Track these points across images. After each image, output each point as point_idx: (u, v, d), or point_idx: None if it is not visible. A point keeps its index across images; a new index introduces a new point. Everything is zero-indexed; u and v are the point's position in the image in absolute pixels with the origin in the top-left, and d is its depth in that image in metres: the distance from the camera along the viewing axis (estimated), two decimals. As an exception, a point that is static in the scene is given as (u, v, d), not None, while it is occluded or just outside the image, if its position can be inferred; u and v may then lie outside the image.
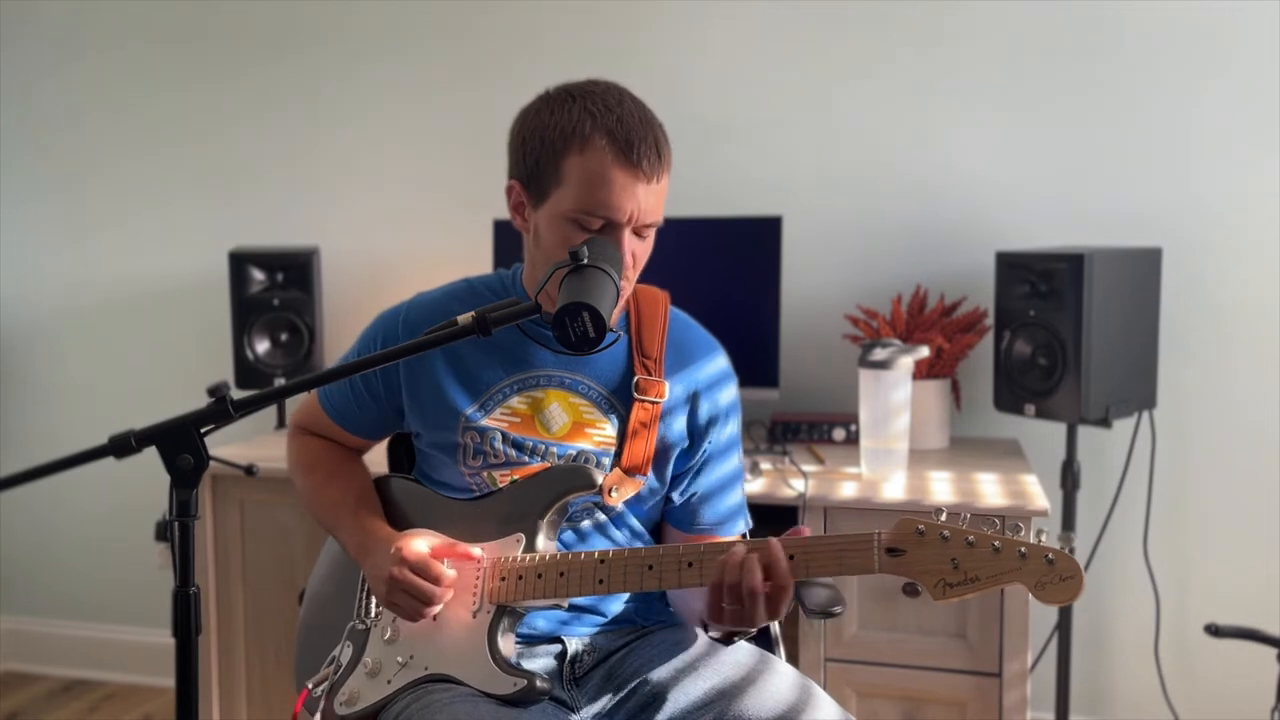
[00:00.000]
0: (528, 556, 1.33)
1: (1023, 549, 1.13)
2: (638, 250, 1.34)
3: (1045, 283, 2.09)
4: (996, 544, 1.14)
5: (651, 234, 1.37)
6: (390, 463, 1.69)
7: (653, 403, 1.41)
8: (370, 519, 1.43)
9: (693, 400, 1.46)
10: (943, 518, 1.17)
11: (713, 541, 1.30)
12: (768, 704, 1.30)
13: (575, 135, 1.30)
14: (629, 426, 1.40)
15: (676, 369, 1.45)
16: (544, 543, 1.36)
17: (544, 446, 1.41)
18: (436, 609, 1.32)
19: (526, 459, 1.41)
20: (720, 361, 1.51)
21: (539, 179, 1.33)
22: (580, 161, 1.29)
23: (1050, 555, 1.12)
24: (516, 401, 1.42)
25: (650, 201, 1.31)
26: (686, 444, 1.46)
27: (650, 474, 1.42)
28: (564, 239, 1.31)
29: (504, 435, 1.41)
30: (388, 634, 1.37)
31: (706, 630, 1.39)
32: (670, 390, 1.43)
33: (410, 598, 1.31)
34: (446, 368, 1.43)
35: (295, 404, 2.52)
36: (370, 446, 1.61)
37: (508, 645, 1.32)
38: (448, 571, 1.32)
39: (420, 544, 1.35)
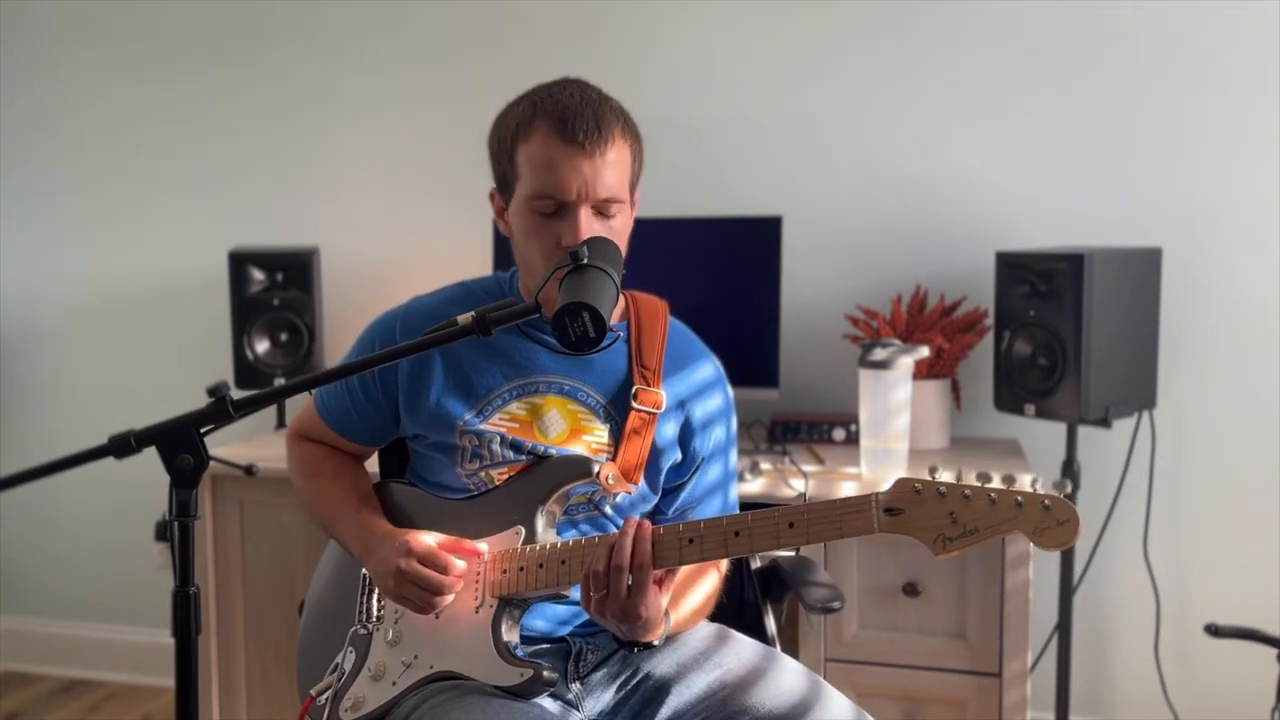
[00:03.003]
0: (528, 548, 1.33)
1: (1019, 498, 1.14)
2: (605, 232, 1.33)
3: (1045, 283, 2.09)
4: (993, 495, 1.15)
5: (621, 214, 1.37)
6: (381, 466, 1.69)
7: (649, 413, 1.41)
8: (373, 518, 1.44)
9: (683, 409, 1.46)
10: (937, 476, 1.18)
11: (713, 518, 1.30)
12: (779, 698, 1.30)
13: (520, 127, 1.35)
14: (624, 434, 1.40)
15: (672, 378, 1.46)
16: (544, 533, 1.36)
17: (541, 449, 1.41)
18: (447, 599, 1.32)
19: (524, 459, 1.41)
20: (709, 368, 1.51)
21: (504, 179, 1.39)
22: (527, 150, 1.34)
23: (1046, 502, 1.13)
24: (516, 407, 1.42)
25: (601, 176, 1.32)
26: (679, 456, 1.46)
27: (642, 482, 1.42)
28: (526, 229, 1.35)
29: (502, 438, 1.41)
30: (390, 636, 1.37)
31: (615, 639, 1.36)
32: (665, 400, 1.43)
33: (419, 589, 1.31)
34: (444, 373, 1.43)
35: (295, 404, 2.52)
36: (368, 454, 1.61)
37: (512, 637, 1.32)
38: (456, 563, 1.32)
39: (426, 537, 1.35)
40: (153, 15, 2.89)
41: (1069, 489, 1.16)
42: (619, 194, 1.35)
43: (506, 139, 1.37)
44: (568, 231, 1.31)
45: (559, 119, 1.32)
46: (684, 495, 1.49)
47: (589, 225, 1.32)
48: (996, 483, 1.16)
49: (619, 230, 1.37)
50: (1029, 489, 1.15)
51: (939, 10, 2.42)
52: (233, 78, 2.86)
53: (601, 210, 1.34)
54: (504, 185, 1.40)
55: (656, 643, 1.30)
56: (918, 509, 1.17)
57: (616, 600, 1.22)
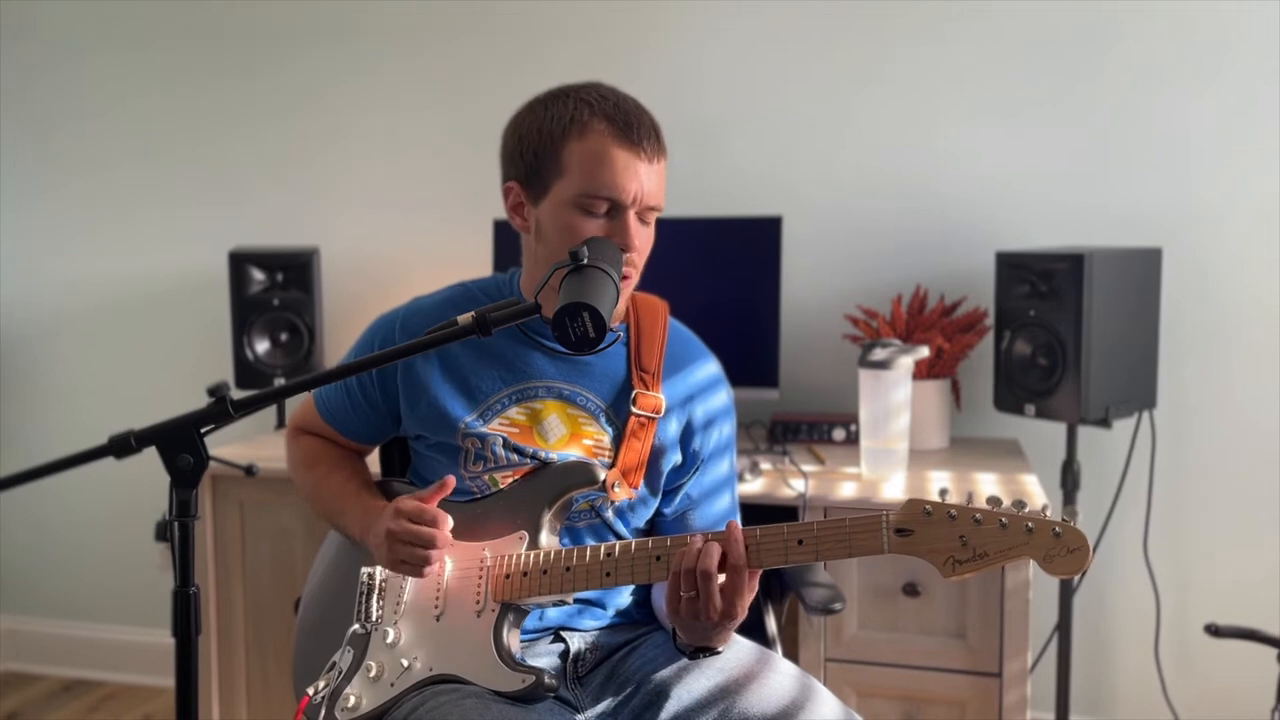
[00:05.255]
0: (532, 553, 1.33)
1: (1029, 524, 1.14)
2: (641, 237, 1.35)
3: (1045, 283, 2.09)
4: (1004, 520, 1.15)
5: (653, 222, 1.38)
6: (383, 464, 1.69)
7: (649, 417, 1.41)
8: (373, 500, 1.44)
9: (684, 408, 1.46)
10: (947, 498, 1.18)
11: (719, 531, 1.29)
12: (770, 700, 1.30)
13: (574, 123, 1.33)
14: (624, 438, 1.40)
15: (671, 380, 1.45)
16: (547, 539, 1.36)
17: (543, 454, 1.41)
18: (440, 553, 1.32)
19: (528, 463, 1.41)
20: (711, 368, 1.51)
21: (539, 173, 1.35)
22: (581, 147, 1.32)
23: (1057, 529, 1.13)
24: (515, 412, 1.42)
25: (652, 183, 1.34)
26: (679, 457, 1.45)
27: (642, 486, 1.42)
28: (569, 227, 1.33)
29: (505, 441, 1.41)
30: (390, 637, 1.37)
31: (675, 643, 1.36)
32: (665, 403, 1.43)
33: (410, 547, 1.31)
34: (443, 375, 1.43)
35: (295, 405, 2.52)
36: (367, 452, 1.61)
37: (513, 642, 1.32)
38: (447, 516, 1.32)
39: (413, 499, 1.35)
40: (154, 18, 2.89)
41: (1079, 517, 1.16)
42: (661, 203, 1.37)
43: (553, 132, 1.33)
44: (618, 233, 1.32)
45: (623, 122, 1.32)
46: (684, 496, 1.48)
47: (637, 230, 1.33)
48: (1008, 506, 1.17)
49: (650, 237, 1.39)
50: (1040, 514, 1.15)
51: (940, 10, 2.42)
52: (233, 80, 2.86)
53: (642, 217, 1.35)
54: (534, 181, 1.36)
55: (721, 649, 1.31)
56: (928, 530, 1.18)
57: (711, 602, 1.21)
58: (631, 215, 1.33)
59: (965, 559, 1.16)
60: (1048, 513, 1.15)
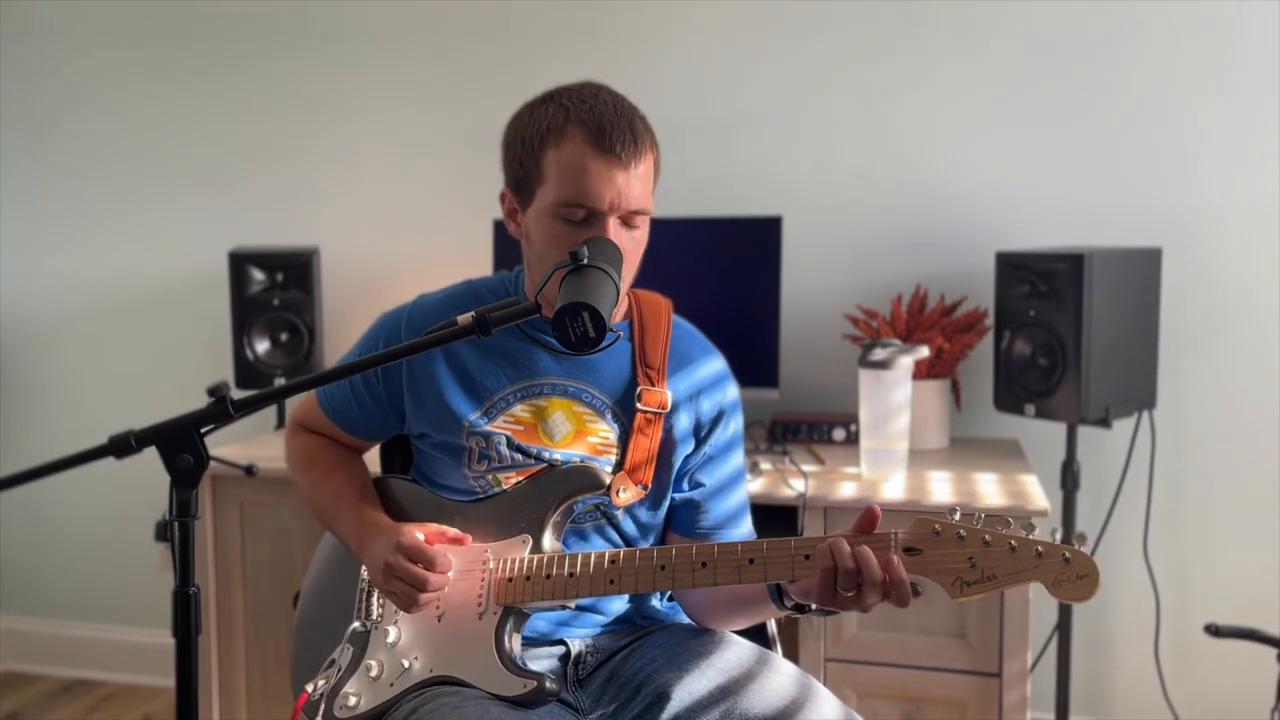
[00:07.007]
0: (535, 557, 1.33)
1: (1039, 548, 1.13)
2: (629, 243, 1.34)
3: (1045, 283, 2.09)
4: (1013, 543, 1.14)
5: (643, 225, 1.37)
6: (383, 463, 1.69)
7: (655, 413, 1.41)
8: (370, 511, 1.44)
9: (693, 403, 1.46)
10: (956, 517, 1.17)
11: (728, 544, 1.28)
12: (770, 701, 1.30)
13: (551, 131, 1.33)
14: (631, 434, 1.40)
15: (677, 377, 1.45)
16: (550, 543, 1.35)
17: (548, 454, 1.41)
18: (432, 596, 1.32)
19: (533, 464, 1.41)
20: (718, 364, 1.51)
21: (525, 180, 1.36)
22: (557, 155, 1.32)
23: (1067, 554, 1.13)
24: (520, 409, 1.42)
25: (632, 187, 1.32)
26: (691, 447, 1.46)
27: (652, 483, 1.42)
28: (550, 234, 1.33)
29: (509, 440, 1.41)
30: (391, 636, 1.37)
31: (782, 601, 1.32)
32: (671, 399, 1.43)
33: (405, 584, 1.31)
34: (449, 372, 1.43)
35: (295, 404, 2.52)
36: (368, 448, 1.61)
37: (515, 646, 1.32)
38: (444, 559, 1.32)
39: (418, 531, 1.35)
40: (154, 16, 2.89)
41: (1086, 542, 1.16)
42: (646, 205, 1.35)
43: (533, 141, 1.34)
44: None
45: (596, 128, 1.30)
46: (690, 483, 1.48)
47: (617, 235, 1.32)
48: (1016, 528, 1.16)
49: (640, 240, 1.37)
50: (1050, 539, 1.14)
51: (939, 11, 2.42)
52: (233, 79, 2.86)
53: (627, 221, 1.34)
54: (522, 187, 1.37)
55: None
56: (937, 550, 1.17)
57: (869, 602, 1.19)
58: (611, 221, 1.31)
59: (973, 580, 1.15)
60: (1057, 537, 1.14)
